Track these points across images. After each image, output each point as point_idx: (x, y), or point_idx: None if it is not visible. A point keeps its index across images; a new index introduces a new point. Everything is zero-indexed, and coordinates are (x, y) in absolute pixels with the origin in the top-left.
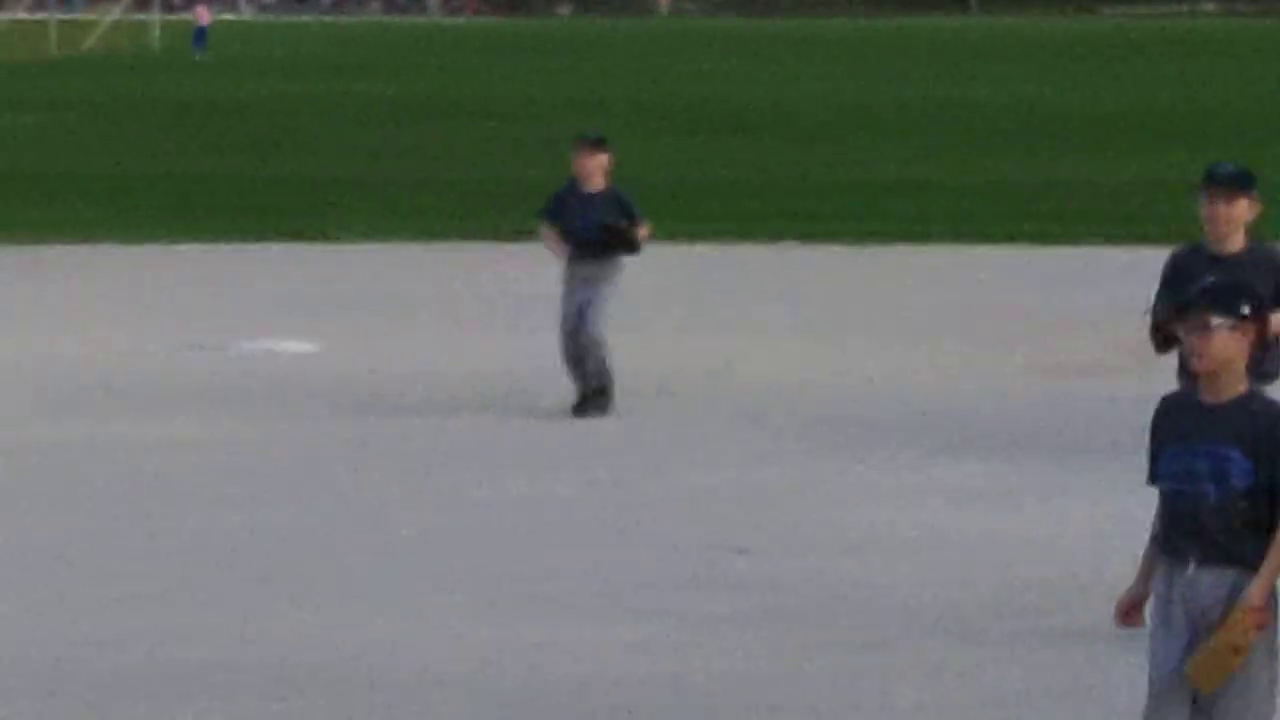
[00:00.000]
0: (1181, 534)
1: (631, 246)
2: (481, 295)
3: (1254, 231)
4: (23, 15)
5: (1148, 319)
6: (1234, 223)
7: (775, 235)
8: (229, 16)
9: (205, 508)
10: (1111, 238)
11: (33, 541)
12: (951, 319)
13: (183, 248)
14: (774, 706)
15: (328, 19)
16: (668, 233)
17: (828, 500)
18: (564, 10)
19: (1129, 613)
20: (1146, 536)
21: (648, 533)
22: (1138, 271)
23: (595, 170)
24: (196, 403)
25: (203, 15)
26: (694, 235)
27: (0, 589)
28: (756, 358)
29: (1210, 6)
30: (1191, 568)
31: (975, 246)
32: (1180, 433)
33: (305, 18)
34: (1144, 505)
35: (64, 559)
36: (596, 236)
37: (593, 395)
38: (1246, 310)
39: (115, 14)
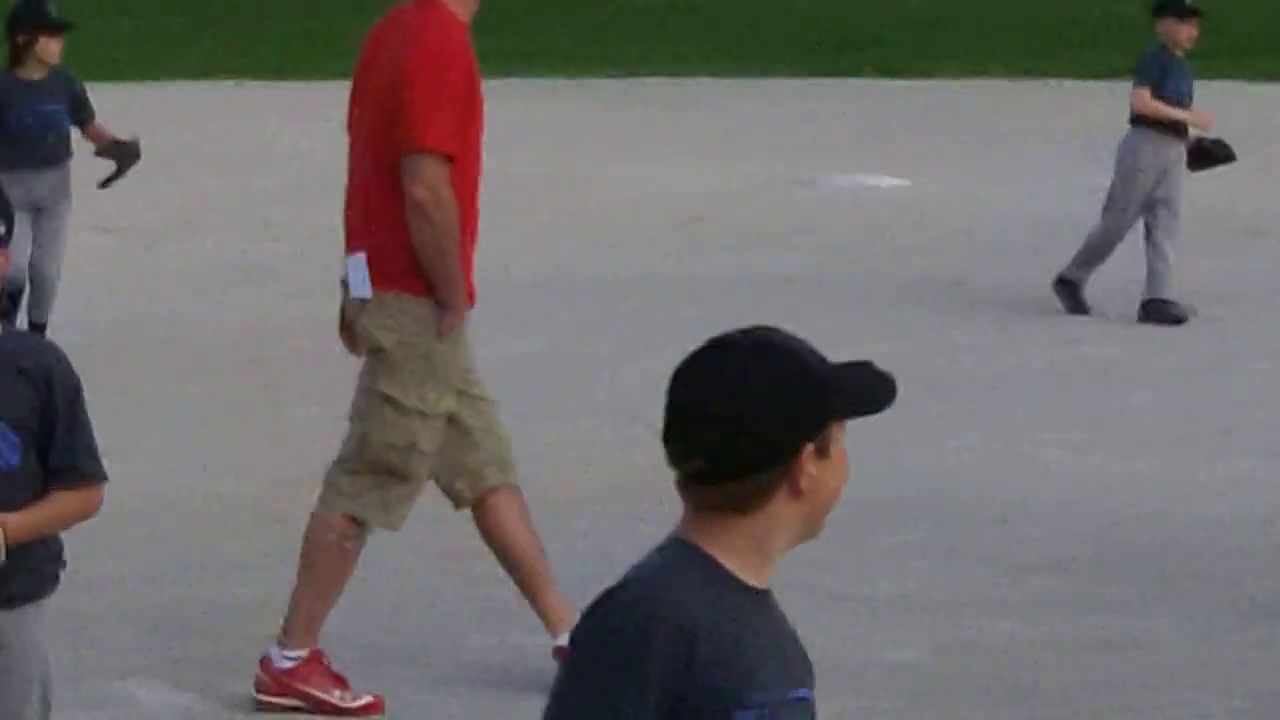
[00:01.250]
0: None
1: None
2: (1070, 132)
3: None
4: None
5: None
6: None
7: None
8: None
9: None
10: None
11: (632, 376)
12: None
13: (774, 81)
14: None
15: None
16: None
17: None
18: None
19: None
20: None
21: (1253, 373)
22: None
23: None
24: (789, 237)
25: None
26: None
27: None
28: None
29: None
30: None
31: None
32: None
33: None
34: None
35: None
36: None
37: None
38: None
39: None
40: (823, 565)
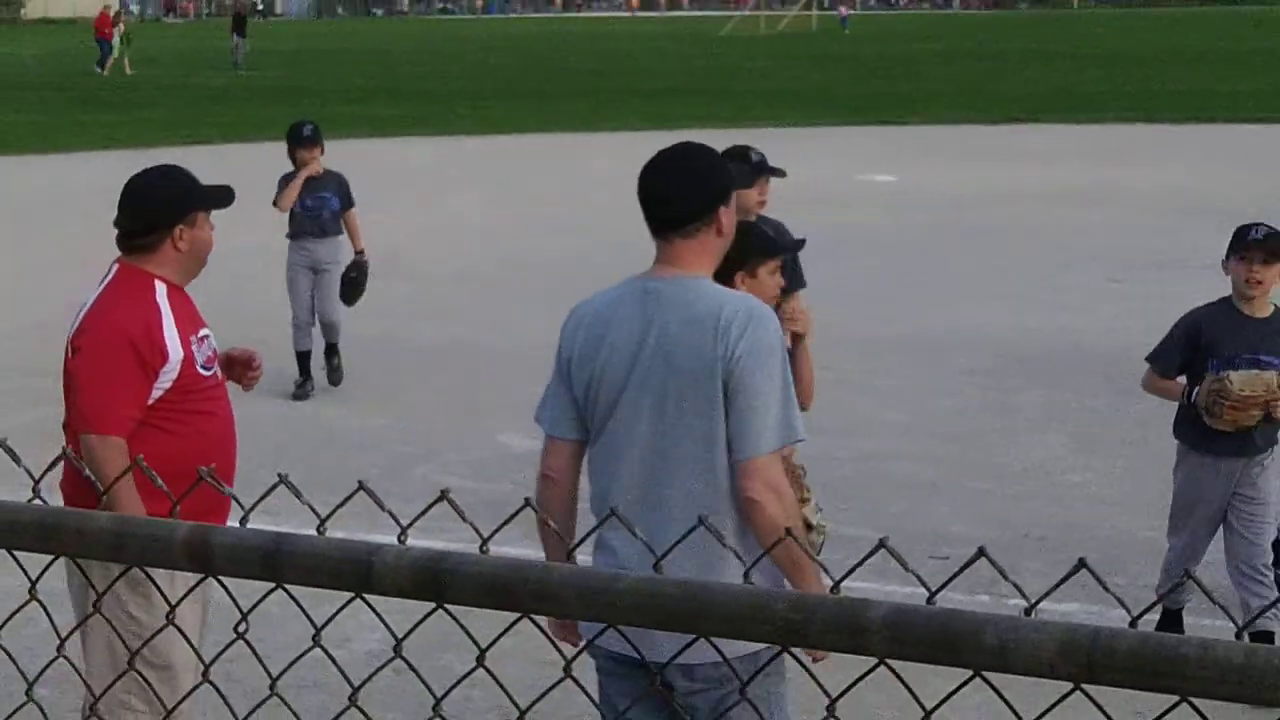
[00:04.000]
0: None
1: None
2: None
3: None
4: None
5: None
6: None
7: None
8: (858, 13)
9: None
10: None
11: None
12: None
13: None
14: None
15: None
16: None
17: None
18: None
19: None
20: None
21: None
22: None
23: None
24: None
25: (843, 11)
26: None
27: None
28: None
29: None
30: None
31: None
32: None
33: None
34: None
35: None
36: None
37: None
38: None
39: (796, 10)
40: None
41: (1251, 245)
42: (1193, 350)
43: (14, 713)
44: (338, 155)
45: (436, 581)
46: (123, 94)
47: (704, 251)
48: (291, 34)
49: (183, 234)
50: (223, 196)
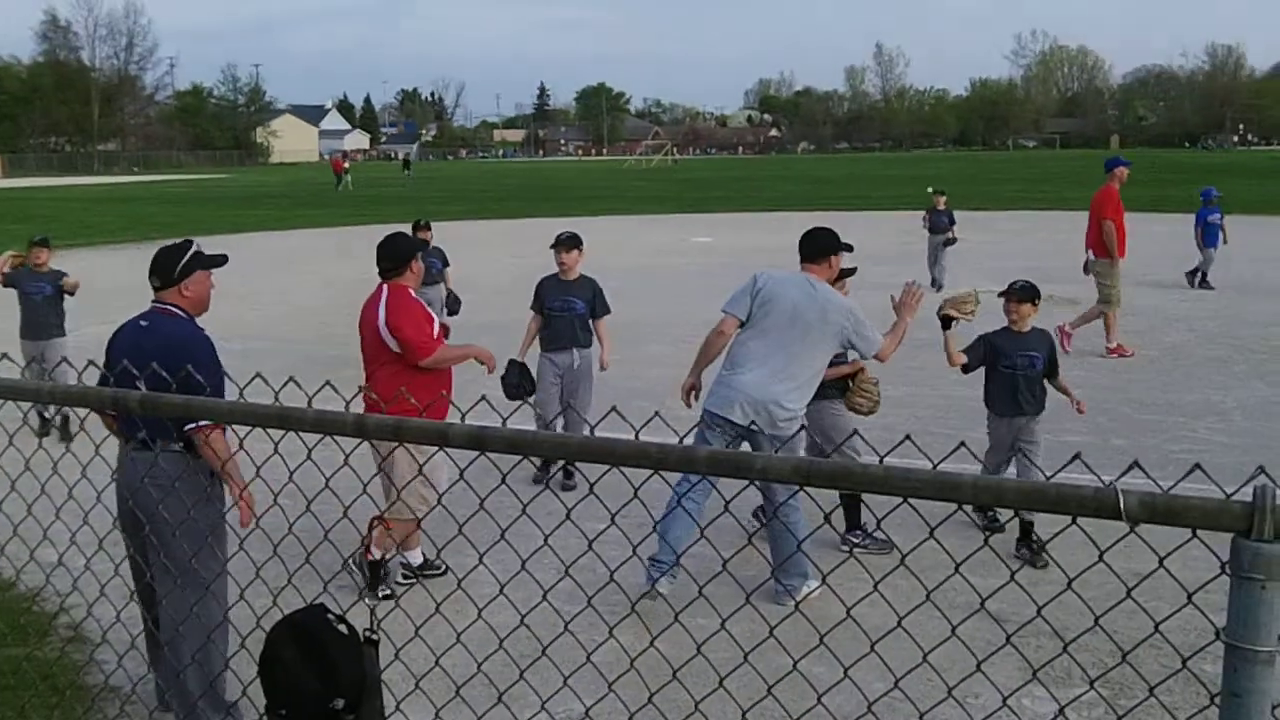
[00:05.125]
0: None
1: None
2: None
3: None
4: (608, 156)
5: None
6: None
7: None
8: (688, 157)
9: None
10: None
11: None
12: None
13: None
14: None
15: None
16: None
17: None
18: None
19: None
20: None
21: None
22: None
23: None
24: None
25: (677, 155)
26: None
27: None
28: None
29: None
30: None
31: None
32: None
33: (717, 156)
34: None
35: None
36: None
37: None
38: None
39: (660, 155)
40: None
41: (1010, 292)
42: (987, 353)
43: (317, 495)
44: (436, 228)
45: (480, 441)
46: (324, 198)
47: (823, 273)
48: None
49: (414, 266)
50: (424, 246)
